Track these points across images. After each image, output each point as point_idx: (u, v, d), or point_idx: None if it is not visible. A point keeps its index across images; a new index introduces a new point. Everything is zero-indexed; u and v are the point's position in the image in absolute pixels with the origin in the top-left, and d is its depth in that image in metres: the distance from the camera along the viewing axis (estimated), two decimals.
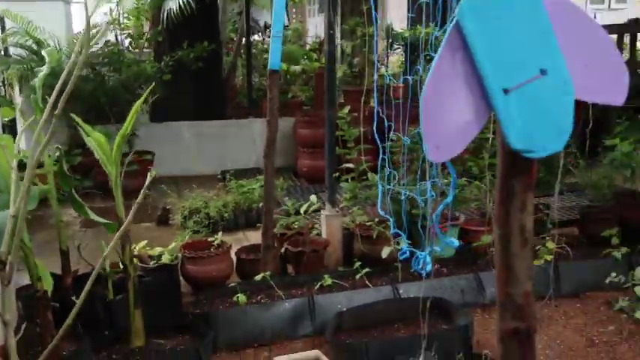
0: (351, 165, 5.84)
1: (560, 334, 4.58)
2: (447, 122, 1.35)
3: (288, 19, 22.64)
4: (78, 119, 4.05)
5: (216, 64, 10.54)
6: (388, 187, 5.03)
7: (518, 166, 1.40)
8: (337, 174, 5.77)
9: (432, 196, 3.65)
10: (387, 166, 3.89)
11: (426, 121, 1.34)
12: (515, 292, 1.45)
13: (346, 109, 5.93)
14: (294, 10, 24.79)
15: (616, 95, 1.38)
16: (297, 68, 12.74)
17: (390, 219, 3.72)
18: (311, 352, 4.11)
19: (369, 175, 5.84)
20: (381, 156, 3.96)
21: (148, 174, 2.69)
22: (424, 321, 3.16)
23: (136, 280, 4.12)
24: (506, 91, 1.33)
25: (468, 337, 4.17)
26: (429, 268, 3.28)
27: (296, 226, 5.71)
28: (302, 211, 5.73)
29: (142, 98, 4.17)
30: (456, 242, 3.02)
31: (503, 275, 1.46)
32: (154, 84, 5.63)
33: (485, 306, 4.96)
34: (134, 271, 4.13)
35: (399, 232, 3.65)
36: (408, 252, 3.57)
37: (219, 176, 8.95)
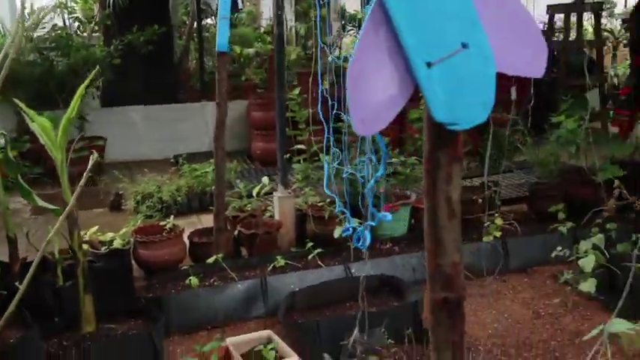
0: (302, 146, 5.85)
1: (508, 307, 4.67)
2: (373, 96, 1.36)
3: (242, 2, 22.39)
4: (21, 104, 3.97)
5: (167, 48, 10.43)
6: (334, 166, 5.07)
7: (443, 139, 1.42)
8: (289, 155, 5.77)
9: (368, 173, 3.68)
10: (331, 145, 3.91)
11: (352, 94, 1.35)
12: (444, 263, 1.48)
13: (296, 91, 5.93)
14: None
15: (536, 69, 1.41)
16: (251, 51, 12.66)
17: (336, 198, 3.73)
18: (263, 333, 4.13)
19: (321, 155, 5.85)
20: (325, 135, 3.97)
21: (91, 157, 2.67)
22: (363, 300, 3.20)
23: (85, 265, 4.07)
24: (429, 65, 1.35)
25: (417, 314, 4.22)
26: (367, 243, 3.30)
27: (249, 209, 5.71)
28: (254, 193, 5.73)
29: (87, 81, 4.10)
30: (389, 216, 3.04)
31: (432, 247, 1.48)
32: (98, 67, 5.53)
33: None
34: (83, 257, 4.08)
35: (344, 210, 3.66)
36: (350, 229, 3.59)
37: (172, 160, 8.87)
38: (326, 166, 3.50)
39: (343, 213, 3.71)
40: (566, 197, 5.94)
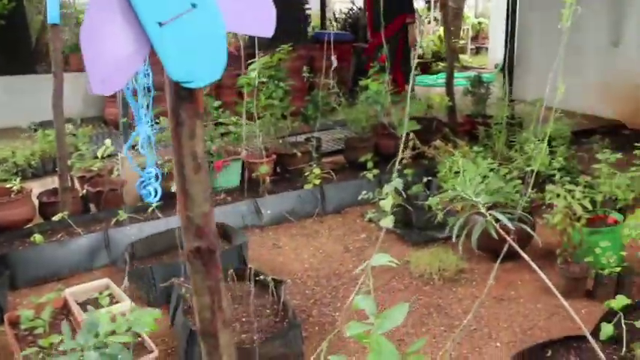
0: (145, 111, 5.52)
1: (323, 244, 4.68)
2: (109, 55, 1.19)
3: None
4: None
5: (21, 21, 9.53)
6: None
7: (183, 96, 1.28)
8: (126, 119, 5.46)
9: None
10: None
11: (87, 54, 1.17)
12: (194, 214, 1.35)
13: None
14: None
15: (266, 28, 1.29)
16: None
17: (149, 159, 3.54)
18: (102, 281, 3.89)
19: (161, 119, 5.58)
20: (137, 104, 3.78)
21: None
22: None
23: None
24: (160, 25, 1.19)
25: (242, 254, 4.13)
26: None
27: (95, 169, 5.36)
28: (99, 155, 5.38)
29: None
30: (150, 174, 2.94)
31: (182, 199, 1.35)
32: None
33: (263, 227, 4.96)
34: None
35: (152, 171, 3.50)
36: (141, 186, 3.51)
37: (28, 128, 8.16)
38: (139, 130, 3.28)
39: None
40: (375, 148, 6.04)
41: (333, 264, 4.34)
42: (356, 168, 5.81)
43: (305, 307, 3.79)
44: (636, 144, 4.70)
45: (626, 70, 7.25)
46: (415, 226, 4.80)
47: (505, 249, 2.40)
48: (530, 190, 3.63)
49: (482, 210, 2.47)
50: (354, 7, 11.19)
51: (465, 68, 12.46)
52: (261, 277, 3.56)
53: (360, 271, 3.03)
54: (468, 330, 3.48)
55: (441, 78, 10.51)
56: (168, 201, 4.97)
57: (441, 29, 12.15)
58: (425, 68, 11.77)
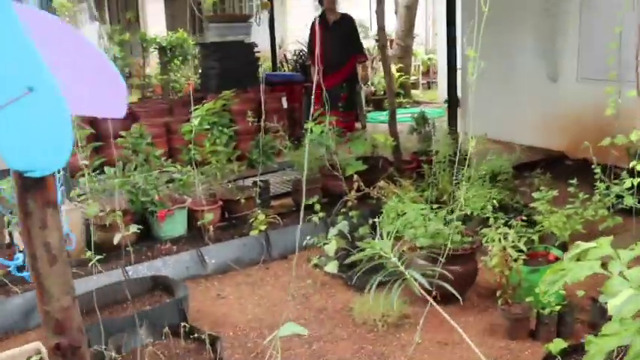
0: (86, 162, 5.33)
1: (269, 292, 4.52)
2: None
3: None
4: None
5: None
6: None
7: (29, 185, 1.15)
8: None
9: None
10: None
11: None
12: (52, 309, 1.21)
13: None
14: (67, 19, 22.77)
15: (117, 109, 1.17)
16: None
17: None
18: (31, 345, 3.64)
19: (106, 168, 5.41)
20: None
21: None
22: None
23: None
24: None
25: (181, 309, 3.94)
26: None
27: None
28: None
29: None
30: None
31: (38, 293, 1.21)
32: None
33: (208, 276, 4.78)
34: None
35: None
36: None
37: None
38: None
39: None
40: (323, 190, 5.93)
41: (277, 313, 4.18)
42: (305, 211, 5.68)
43: None
44: (570, 181, 4.68)
45: (565, 104, 7.33)
46: (360, 269, 4.68)
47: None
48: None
49: (402, 269, 2.36)
50: (304, 49, 11.20)
51: (417, 103, 12.53)
52: (196, 334, 3.39)
53: (267, 342, 2.89)
54: None
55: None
56: (111, 254, 4.80)
57: (392, 67, 12.24)
58: (377, 105, 11.80)
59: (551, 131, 7.65)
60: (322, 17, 8.11)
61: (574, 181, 4.38)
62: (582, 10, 7.22)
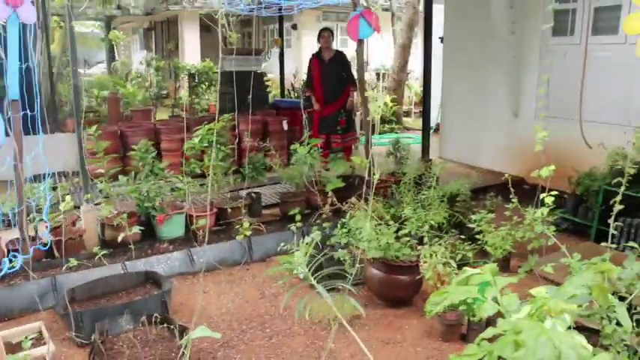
0: (102, 170, 5.42)
1: (244, 290, 4.54)
2: None
3: (118, 54, 21.32)
4: None
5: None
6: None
7: None
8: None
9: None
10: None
11: None
12: None
13: (94, 128, 5.40)
14: (122, 47, 23.23)
15: None
16: (105, 93, 11.95)
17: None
18: (35, 324, 3.72)
19: (120, 177, 5.50)
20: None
21: None
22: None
23: None
24: None
25: (164, 301, 3.97)
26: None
27: (57, 221, 5.23)
28: (61, 208, 5.24)
29: None
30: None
31: None
32: None
33: (195, 273, 4.81)
34: None
35: None
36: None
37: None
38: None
39: None
40: (307, 203, 5.95)
41: (247, 309, 4.20)
42: (288, 220, 5.71)
43: (212, 349, 3.64)
44: (513, 201, 4.63)
45: (524, 136, 7.28)
46: (326, 275, 4.68)
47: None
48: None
49: (314, 283, 2.37)
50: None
51: (407, 129, 12.54)
52: (166, 324, 3.42)
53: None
54: None
55: (383, 138, 10.58)
56: (116, 250, 4.88)
57: (387, 97, 12.26)
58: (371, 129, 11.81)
59: (513, 158, 7.62)
60: (319, 55, 8.15)
61: (509, 206, 4.31)
62: (541, 60, 7.24)
